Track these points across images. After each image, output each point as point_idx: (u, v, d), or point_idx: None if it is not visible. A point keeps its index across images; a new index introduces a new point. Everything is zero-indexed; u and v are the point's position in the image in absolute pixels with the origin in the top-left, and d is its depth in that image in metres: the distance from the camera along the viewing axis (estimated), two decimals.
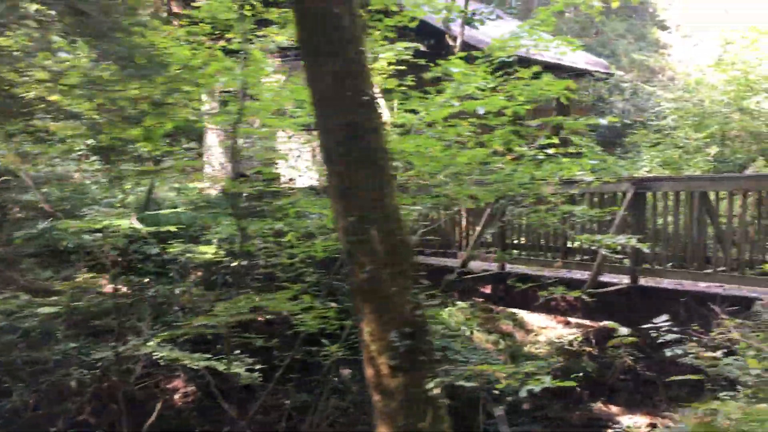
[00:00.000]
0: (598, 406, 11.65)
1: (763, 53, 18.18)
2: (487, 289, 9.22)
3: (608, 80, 21.74)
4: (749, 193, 6.59)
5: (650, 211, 7.36)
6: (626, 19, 27.22)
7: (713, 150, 16.59)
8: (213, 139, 25.31)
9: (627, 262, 7.55)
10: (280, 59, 23.02)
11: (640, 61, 20.88)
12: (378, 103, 4.46)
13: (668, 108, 18.82)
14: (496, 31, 22.31)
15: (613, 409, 11.46)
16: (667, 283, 7.26)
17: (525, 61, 20.43)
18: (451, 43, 18.00)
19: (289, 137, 16.42)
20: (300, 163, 23.06)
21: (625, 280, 7.53)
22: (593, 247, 7.35)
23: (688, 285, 7.03)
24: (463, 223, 9.73)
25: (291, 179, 17.33)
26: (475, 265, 9.18)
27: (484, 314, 13.52)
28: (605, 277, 7.73)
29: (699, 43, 21.75)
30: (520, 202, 7.09)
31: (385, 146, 4.37)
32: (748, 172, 14.61)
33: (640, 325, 6.82)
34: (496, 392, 12.93)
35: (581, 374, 10.27)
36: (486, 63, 6.86)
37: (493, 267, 8.96)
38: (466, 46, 19.39)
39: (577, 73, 23.81)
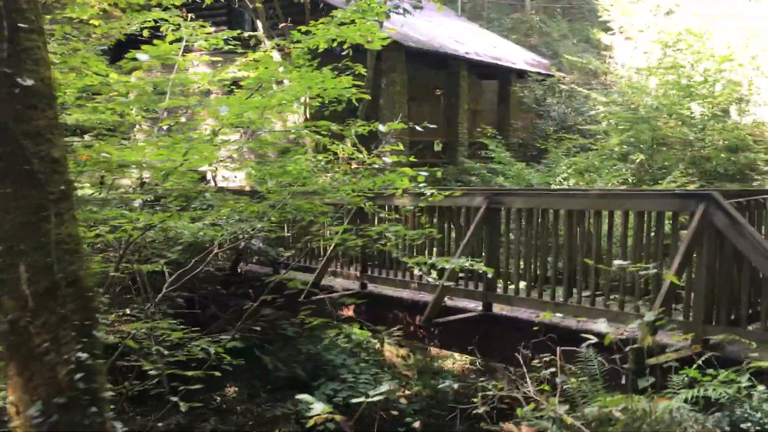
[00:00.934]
0: None
1: (698, 56, 17.48)
2: (350, 310, 8.26)
3: (544, 81, 20.97)
4: (602, 211, 5.71)
5: (505, 230, 6.44)
6: (571, 20, 26.53)
7: (638, 157, 15.83)
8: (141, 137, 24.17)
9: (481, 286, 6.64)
10: (207, 51, 21.91)
11: (578, 62, 20.10)
12: (51, 97, 3.43)
13: (602, 112, 18.06)
14: (435, 29, 21.37)
15: None
16: (524, 312, 6.36)
17: (454, 59, 19.59)
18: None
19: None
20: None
21: (480, 306, 6.62)
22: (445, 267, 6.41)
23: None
24: (327, 233, 8.77)
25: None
26: (339, 282, 8.24)
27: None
28: (461, 302, 6.82)
29: (638, 45, 21.02)
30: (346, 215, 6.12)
31: (54, 153, 3.35)
32: (668, 179, 13.94)
33: (493, 356, 5.97)
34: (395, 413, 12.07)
35: None
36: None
37: (357, 286, 8.02)
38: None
39: (518, 74, 23.05)
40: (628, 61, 21.37)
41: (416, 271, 7.00)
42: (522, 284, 6.29)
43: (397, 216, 7.10)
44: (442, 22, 24.87)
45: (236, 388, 12.46)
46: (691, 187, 14.78)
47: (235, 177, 22.01)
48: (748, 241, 4.60)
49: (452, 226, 6.78)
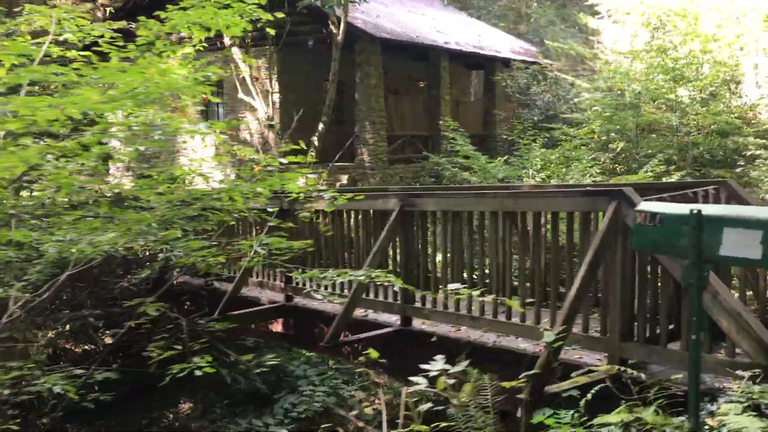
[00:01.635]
0: None
1: (683, 37, 16.67)
2: (279, 324, 7.64)
3: (527, 69, 20.20)
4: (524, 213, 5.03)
5: (420, 236, 5.77)
6: (561, 6, 25.73)
7: (619, 145, 15.08)
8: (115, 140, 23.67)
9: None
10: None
11: (560, 48, 19.33)
12: None
13: (586, 100, 17.28)
14: (416, 19, 20.62)
15: None
16: (443, 327, 5.71)
17: (434, 49, 18.79)
18: (333, 30, 16.39)
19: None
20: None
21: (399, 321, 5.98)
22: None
23: (466, 332, 5.49)
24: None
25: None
26: (267, 294, 7.62)
27: None
28: (382, 316, 6.18)
29: (625, 28, 20.18)
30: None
31: None
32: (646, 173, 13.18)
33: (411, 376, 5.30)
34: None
35: None
36: None
37: (282, 298, 7.40)
38: (352, 31, 17.80)
39: (504, 63, 22.29)
40: (616, 45, 20.57)
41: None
42: (441, 295, 5.64)
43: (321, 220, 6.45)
44: (426, 12, 24.16)
45: (191, 404, 11.91)
46: (674, 177, 13.98)
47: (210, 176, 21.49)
48: None
49: (369, 231, 6.13)
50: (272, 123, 15.61)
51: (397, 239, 5.81)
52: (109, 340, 9.93)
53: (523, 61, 21.67)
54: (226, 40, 15.01)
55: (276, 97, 19.56)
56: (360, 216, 6.21)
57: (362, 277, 5.16)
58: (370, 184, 18.50)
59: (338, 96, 22.16)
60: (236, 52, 15.44)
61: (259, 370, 9.46)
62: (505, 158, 14.71)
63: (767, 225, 2.35)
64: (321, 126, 15.80)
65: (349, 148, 18.88)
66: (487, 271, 5.35)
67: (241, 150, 6.19)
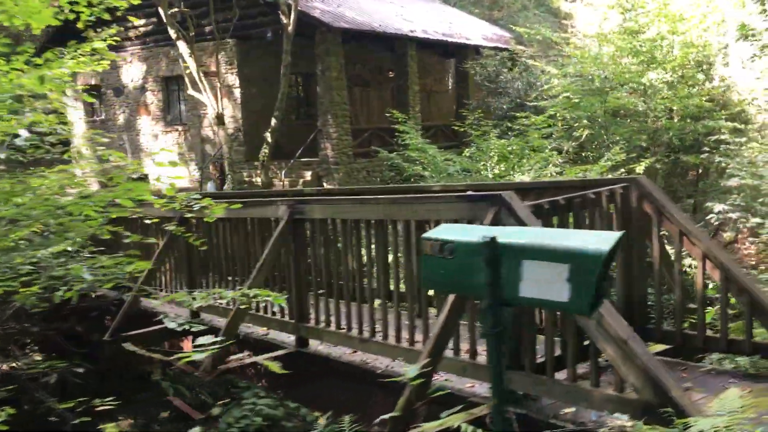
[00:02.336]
0: None
1: (650, 18, 16.01)
2: (189, 341, 7.04)
3: (496, 56, 19.53)
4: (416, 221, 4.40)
5: (312, 247, 5.15)
6: None
7: (583, 133, 14.45)
8: (78, 139, 22.99)
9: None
10: (140, 46, 20.59)
11: (527, 33, 18.65)
12: None
13: (555, 86, 16.58)
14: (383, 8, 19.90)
15: None
16: (339, 349, 5.11)
17: (400, 38, 18.04)
18: (284, 19, 15.71)
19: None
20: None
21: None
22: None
23: (362, 355, 4.89)
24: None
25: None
26: (175, 309, 7.01)
27: None
28: (281, 336, 5.58)
29: (597, 11, 19.50)
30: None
31: None
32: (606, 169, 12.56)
33: (309, 405, 4.77)
34: None
35: None
36: None
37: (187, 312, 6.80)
38: (309, 21, 17.08)
39: (476, 50, 21.60)
40: (588, 29, 19.91)
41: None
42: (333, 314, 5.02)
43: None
44: (395, 0, 23.46)
45: (131, 420, 11.33)
46: (643, 165, 13.42)
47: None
48: None
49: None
50: (222, 119, 14.93)
51: (288, 250, 5.19)
52: None
53: (493, 48, 21.00)
54: (172, 34, 14.34)
55: (237, 92, 18.93)
56: (253, 225, 5.59)
57: (238, 296, 4.56)
58: (335, 179, 17.88)
59: (306, 89, 21.54)
60: (182, 47, 14.77)
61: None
62: (471, 150, 14.06)
63: (576, 256, 1.75)
64: (273, 121, 15.16)
65: (313, 143, 18.26)
66: (375, 286, 4.74)
67: (109, 153, 5.54)
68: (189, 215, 5.18)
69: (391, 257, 4.58)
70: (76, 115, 22.74)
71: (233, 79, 18.87)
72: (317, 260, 5.06)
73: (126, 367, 7.52)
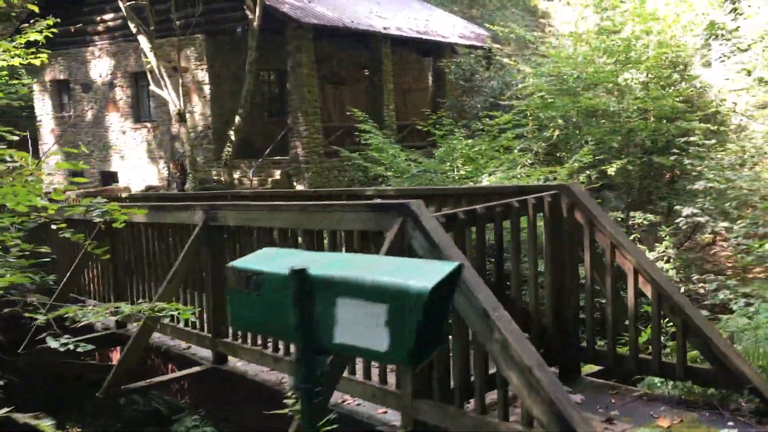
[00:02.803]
0: None
1: (624, 17, 15.74)
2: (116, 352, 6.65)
3: (471, 54, 19.21)
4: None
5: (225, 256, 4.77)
6: None
7: (553, 134, 14.16)
8: (48, 134, 22.48)
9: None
10: (108, 41, 20.10)
11: (501, 31, 18.34)
12: None
13: (529, 86, 16.27)
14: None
15: None
16: (258, 367, 4.75)
17: (374, 35, 17.65)
18: (249, 14, 15.29)
19: None
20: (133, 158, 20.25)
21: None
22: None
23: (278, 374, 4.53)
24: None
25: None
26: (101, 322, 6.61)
27: None
28: (202, 351, 5.20)
29: (575, 10, 19.24)
30: None
31: None
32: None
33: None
34: None
35: None
36: None
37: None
38: (275, 15, 16.65)
39: (453, 48, 21.27)
40: (565, 28, 19.64)
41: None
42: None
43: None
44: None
45: (79, 429, 10.92)
46: (611, 171, 13.10)
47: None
48: None
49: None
50: (184, 117, 14.51)
51: (204, 259, 4.82)
52: None
53: (469, 47, 20.68)
54: (132, 28, 13.90)
55: (207, 89, 18.50)
56: (172, 231, 5.21)
57: (137, 311, 4.19)
58: (305, 179, 17.51)
59: (279, 86, 21.12)
60: (143, 41, 14.34)
61: None
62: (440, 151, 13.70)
63: (395, 295, 1.41)
64: (237, 119, 14.75)
65: (284, 141, 17.88)
66: None
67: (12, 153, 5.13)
68: (98, 220, 4.79)
69: None
70: (44, 110, 22.24)
71: (203, 76, 18.44)
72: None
73: (43, 380, 7.13)
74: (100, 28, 20.51)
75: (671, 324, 3.88)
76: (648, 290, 3.67)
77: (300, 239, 4.02)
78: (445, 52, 21.04)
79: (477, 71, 19.41)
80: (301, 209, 4.04)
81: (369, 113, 19.79)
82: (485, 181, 11.49)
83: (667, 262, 13.51)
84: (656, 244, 13.66)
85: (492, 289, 3.13)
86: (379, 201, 3.74)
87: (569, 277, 3.95)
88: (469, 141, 11.95)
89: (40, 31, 8.07)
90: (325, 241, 3.93)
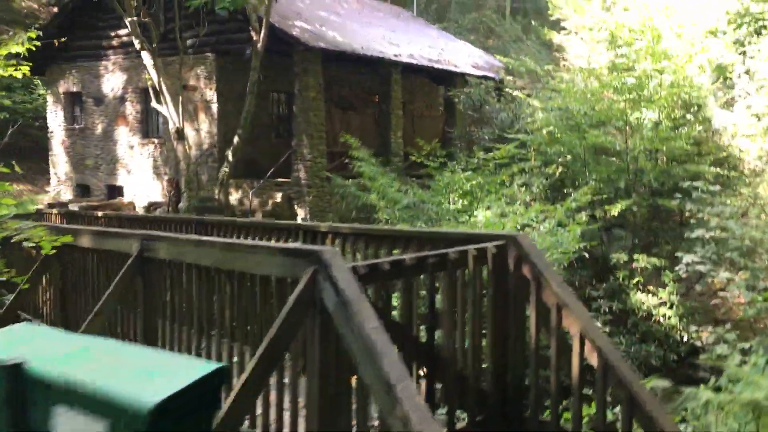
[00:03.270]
0: None
1: (638, 55, 15.41)
2: None
3: (481, 84, 18.95)
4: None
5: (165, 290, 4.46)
6: (526, 22, 24.58)
7: (555, 170, 13.79)
8: (58, 146, 22.49)
9: None
10: (122, 56, 20.14)
11: (510, 64, 18.10)
12: None
13: (536, 120, 15.92)
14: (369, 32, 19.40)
15: None
16: None
17: (385, 62, 17.43)
18: (254, 36, 15.18)
19: None
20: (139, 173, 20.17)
21: None
22: None
23: None
24: None
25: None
26: None
27: None
28: None
29: (588, 45, 18.94)
30: None
31: None
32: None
33: None
34: None
35: None
36: None
37: None
38: (285, 38, 16.50)
39: (466, 78, 21.03)
40: (578, 62, 19.33)
41: None
42: None
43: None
44: (386, 23, 23.01)
45: None
46: (614, 211, 12.67)
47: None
48: (356, 338, 2.65)
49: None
50: (182, 134, 14.35)
51: (137, 292, 4.53)
52: None
53: (481, 77, 20.43)
54: (136, 44, 13.83)
55: (215, 107, 18.40)
56: (109, 258, 4.93)
57: None
58: (306, 202, 17.27)
59: (288, 108, 20.98)
60: (146, 57, 14.26)
61: None
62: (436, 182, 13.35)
63: (115, 410, 1.09)
64: (236, 139, 14.57)
65: (288, 163, 17.68)
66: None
67: None
68: (28, 244, 4.53)
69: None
70: (55, 121, 22.28)
71: (211, 95, 18.36)
72: (164, 307, 4.38)
73: None
74: (114, 42, 20.57)
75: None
76: (594, 359, 3.30)
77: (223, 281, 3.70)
78: (457, 81, 20.81)
79: (487, 102, 19.13)
80: (226, 247, 3.74)
81: (376, 140, 19.63)
82: (480, 215, 11.15)
83: (671, 308, 13.04)
84: (659, 289, 13.19)
85: (419, 354, 2.80)
86: (293, 246, 3.42)
87: (513, 339, 3.59)
88: (466, 173, 11.61)
89: (22, 44, 7.91)
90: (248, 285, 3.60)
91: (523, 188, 12.67)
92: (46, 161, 23.06)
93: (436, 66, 19.61)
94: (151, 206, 19.48)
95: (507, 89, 18.15)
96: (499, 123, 18.56)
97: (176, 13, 14.45)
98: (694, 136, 14.35)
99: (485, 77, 20.59)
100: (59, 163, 22.39)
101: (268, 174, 17.06)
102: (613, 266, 13.90)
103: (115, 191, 21.13)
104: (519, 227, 11.01)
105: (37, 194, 22.89)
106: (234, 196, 17.96)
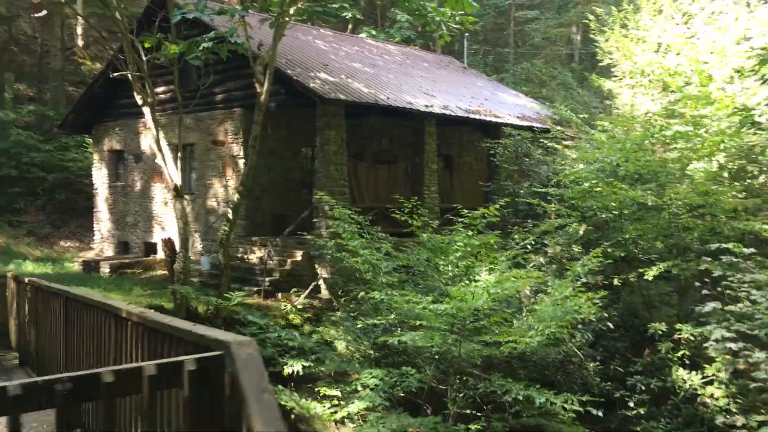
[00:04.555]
0: None
1: (684, 101, 13.96)
2: None
3: (518, 136, 17.76)
4: None
5: None
6: (579, 67, 23.30)
7: (577, 229, 12.35)
8: (102, 203, 22.71)
9: None
10: (159, 113, 20.23)
11: (554, 112, 16.85)
12: None
13: (571, 171, 14.57)
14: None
15: None
16: None
17: (419, 114, 16.52)
18: (257, 87, 14.61)
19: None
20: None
21: None
22: None
23: None
24: None
25: None
26: None
27: None
28: None
29: (641, 92, 17.52)
30: None
31: None
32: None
33: None
34: None
35: None
36: None
37: None
38: (303, 91, 15.85)
39: (514, 127, 19.89)
40: (630, 109, 17.87)
41: None
42: None
43: None
44: (427, 74, 22.25)
45: None
46: (650, 275, 11.08)
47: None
48: None
49: None
50: (179, 192, 13.85)
51: None
52: None
53: (523, 127, 19.22)
54: (138, 99, 13.56)
55: (241, 163, 18.00)
56: None
57: None
58: (327, 261, 16.38)
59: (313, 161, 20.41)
60: (146, 112, 13.98)
61: None
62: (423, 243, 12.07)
63: None
64: (236, 197, 13.95)
65: (310, 219, 16.95)
66: None
67: None
68: None
69: None
70: (100, 178, 22.56)
71: (237, 150, 18.01)
72: None
73: None
74: (151, 100, 20.66)
75: None
76: None
77: None
78: (499, 131, 19.67)
79: (529, 154, 17.87)
80: None
81: (409, 194, 18.64)
82: (482, 277, 9.95)
83: (718, 387, 11.19)
84: (705, 366, 11.40)
85: None
86: None
87: None
88: (465, 233, 10.42)
89: None
90: None
91: (539, 251, 11.35)
92: (90, 218, 23.33)
93: (472, 117, 18.58)
94: None
95: (543, 140, 16.87)
96: (535, 176, 17.27)
97: (176, 73, 14.09)
98: (754, 187, 12.64)
99: (530, 128, 19.36)
100: (103, 220, 22.57)
101: (287, 231, 16.36)
102: (651, 337, 12.26)
103: (151, 248, 20.99)
104: (517, 293, 9.73)
105: (81, 251, 23.10)
106: (257, 254, 17.34)
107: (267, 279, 15.72)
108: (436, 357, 8.86)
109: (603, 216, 13.60)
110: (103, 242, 22.55)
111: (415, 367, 9.05)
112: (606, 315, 10.90)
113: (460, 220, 11.23)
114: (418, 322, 8.41)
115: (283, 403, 7.93)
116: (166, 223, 20.39)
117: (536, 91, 24.76)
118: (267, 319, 13.81)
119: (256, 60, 13.94)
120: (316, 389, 8.76)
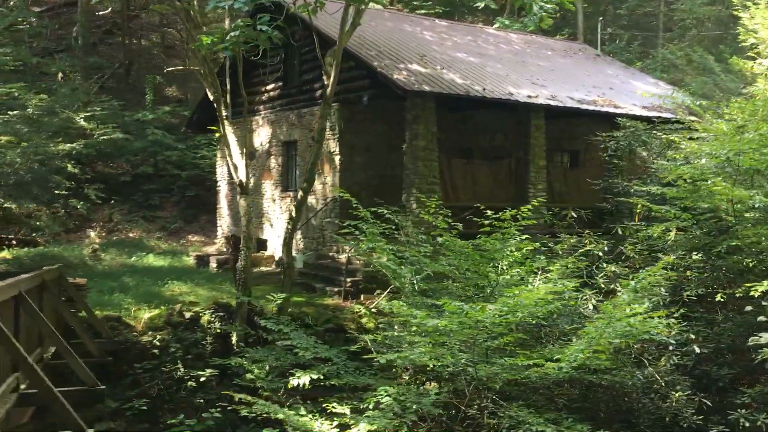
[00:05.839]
0: None
1: None
2: None
3: (631, 128, 15.83)
4: None
5: None
6: (727, 49, 20.51)
7: (671, 236, 10.50)
8: (223, 199, 23.40)
9: None
10: (269, 110, 20.48)
11: (664, 98, 14.76)
12: None
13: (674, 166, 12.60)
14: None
15: None
16: None
17: (523, 106, 15.27)
18: (325, 80, 13.94)
19: None
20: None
21: None
22: None
23: None
24: None
25: None
26: None
27: None
28: None
29: None
30: None
31: None
32: None
33: None
34: None
35: None
36: None
37: None
38: (386, 83, 14.89)
39: (647, 120, 17.81)
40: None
41: None
42: None
43: None
44: (548, 63, 20.59)
45: None
46: (757, 286, 9.06)
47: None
48: None
49: None
50: (245, 189, 13.65)
51: None
52: None
53: (658, 118, 17.14)
54: (210, 95, 13.52)
55: (337, 159, 17.62)
56: None
57: None
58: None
59: None
60: (218, 107, 13.92)
61: None
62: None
63: None
64: (300, 194, 13.47)
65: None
66: None
67: None
68: None
69: None
70: (221, 176, 23.25)
71: (334, 146, 17.64)
72: None
73: None
74: (264, 97, 20.99)
75: None
76: None
77: None
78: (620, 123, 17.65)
79: (648, 147, 15.85)
80: None
81: (512, 194, 17.24)
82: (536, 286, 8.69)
83: None
84: None
85: None
86: None
87: None
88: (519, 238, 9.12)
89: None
90: None
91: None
92: (214, 214, 24.16)
93: (584, 108, 16.84)
94: (281, 261, 19.10)
95: (662, 132, 14.84)
96: (642, 171, 15.28)
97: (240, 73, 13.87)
98: None
99: (658, 118, 17.20)
100: (223, 216, 23.26)
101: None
102: (761, 364, 10.22)
103: (261, 245, 21.24)
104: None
105: (205, 245, 23.97)
106: (346, 254, 16.85)
107: (349, 279, 15.17)
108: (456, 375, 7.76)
109: (720, 219, 11.59)
110: (223, 237, 23.21)
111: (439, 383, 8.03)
112: (693, 336, 9.15)
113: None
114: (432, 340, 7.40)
115: (273, 416, 7.26)
116: (274, 219, 20.54)
117: (679, 78, 22.15)
118: (338, 321, 13.28)
119: (327, 52, 13.40)
120: (324, 405, 8.01)
